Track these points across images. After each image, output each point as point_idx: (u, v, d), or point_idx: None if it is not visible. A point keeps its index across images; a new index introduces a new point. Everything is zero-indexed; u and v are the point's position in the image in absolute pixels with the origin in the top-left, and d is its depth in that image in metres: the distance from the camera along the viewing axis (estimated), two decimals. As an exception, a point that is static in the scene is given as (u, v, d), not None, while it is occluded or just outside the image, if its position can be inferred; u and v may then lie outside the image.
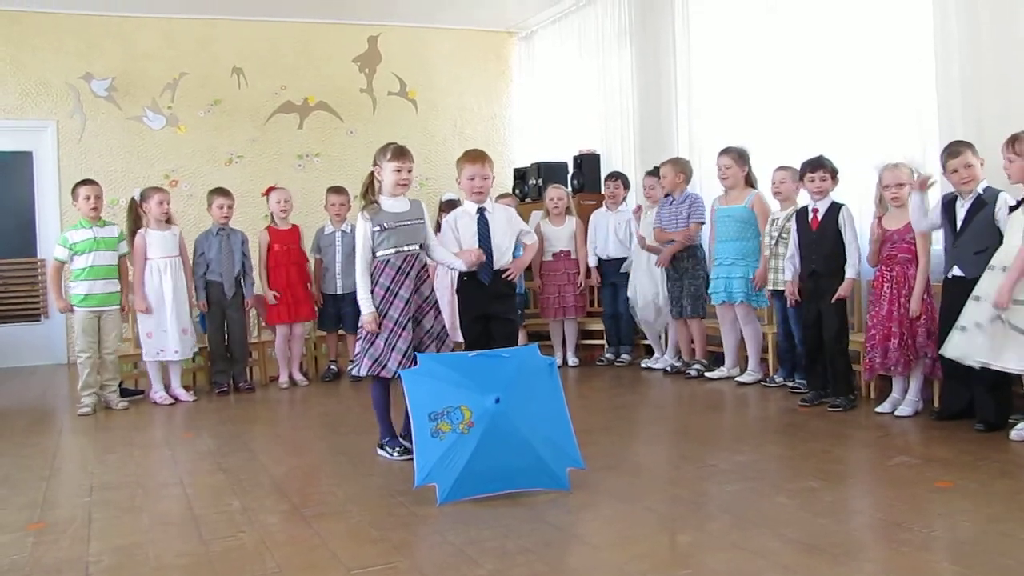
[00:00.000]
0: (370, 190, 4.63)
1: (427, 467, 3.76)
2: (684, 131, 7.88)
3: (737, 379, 6.46)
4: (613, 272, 7.55)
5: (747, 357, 6.50)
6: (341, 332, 7.48)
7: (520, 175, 9.35)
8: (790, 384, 6.06)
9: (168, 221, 6.70)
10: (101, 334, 6.34)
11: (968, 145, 4.85)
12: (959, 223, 4.86)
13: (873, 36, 6.05)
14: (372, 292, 4.53)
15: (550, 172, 8.82)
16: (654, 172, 7.24)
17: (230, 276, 6.97)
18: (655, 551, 3.24)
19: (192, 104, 9.33)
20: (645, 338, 7.69)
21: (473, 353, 4.17)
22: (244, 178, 9.10)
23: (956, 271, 4.87)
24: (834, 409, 5.39)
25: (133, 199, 6.67)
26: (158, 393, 6.63)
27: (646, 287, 7.20)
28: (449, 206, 7.31)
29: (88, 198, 6.35)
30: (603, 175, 8.11)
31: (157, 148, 9.18)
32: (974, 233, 4.80)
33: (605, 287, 7.66)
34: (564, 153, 9.08)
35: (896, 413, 5.15)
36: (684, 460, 4.56)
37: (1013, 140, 4.58)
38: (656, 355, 7.36)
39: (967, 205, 4.84)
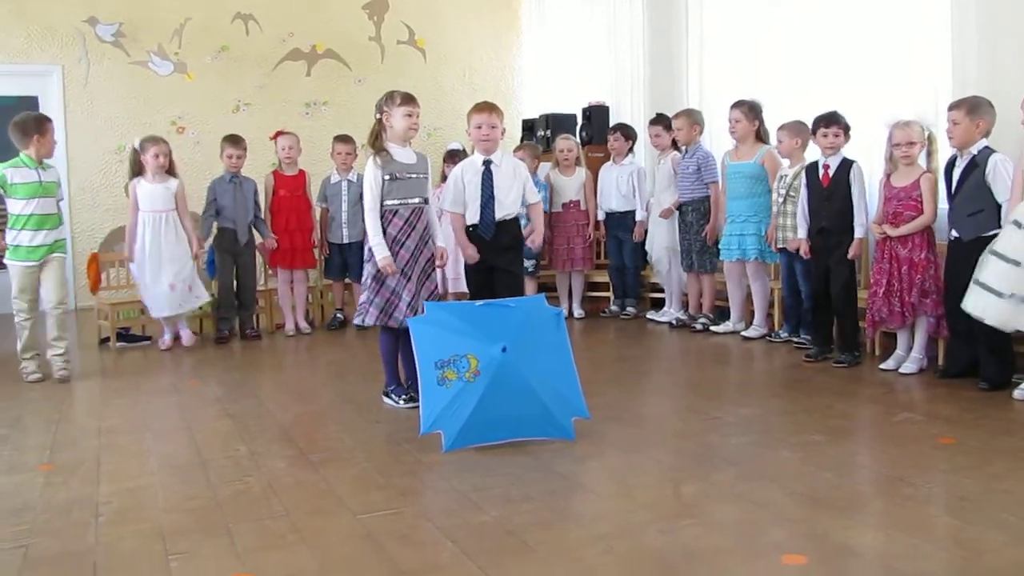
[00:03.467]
0: (379, 138, 4.59)
1: (433, 415, 3.78)
2: (695, 83, 7.81)
3: (742, 333, 6.47)
4: (616, 225, 7.53)
5: (753, 312, 6.50)
6: (347, 281, 7.49)
7: (528, 126, 9.29)
8: (795, 340, 6.07)
9: (170, 172, 6.54)
10: (41, 286, 5.58)
11: (963, 103, 4.80)
12: (955, 184, 4.87)
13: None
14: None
15: (558, 124, 8.75)
16: (658, 120, 7.21)
17: (244, 224, 6.96)
18: (659, 501, 3.27)
19: (199, 50, 9.25)
20: (652, 291, 7.69)
21: (480, 302, 4.17)
22: (251, 126, 9.04)
23: (954, 233, 4.87)
24: (839, 365, 5.41)
25: (134, 148, 6.53)
26: (164, 337, 6.67)
27: (661, 239, 7.18)
28: (452, 156, 7.28)
29: (55, 137, 5.71)
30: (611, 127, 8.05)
31: (164, 94, 9.12)
32: (967, 195, 4.79)
33: (610, 239, 7.64)
34: (573, 105, 9.01)
35: (900, 370, 5.16)
36: (689, 412, 4.58)
37: None
38: (665, 308, 7.37)
39: (962, 166, 4.83)
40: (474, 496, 3.28)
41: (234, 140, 7.04)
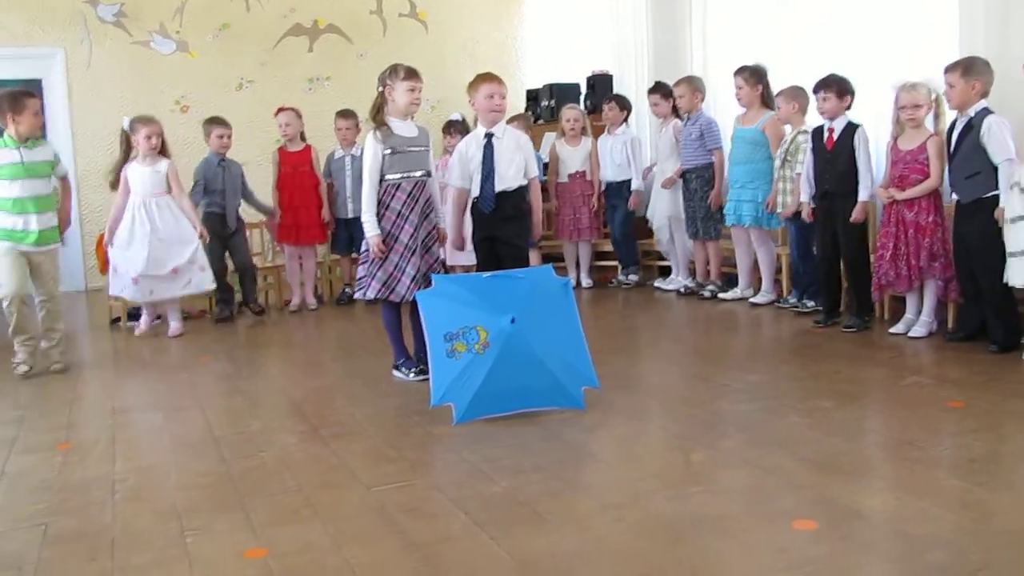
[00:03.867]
0: (381, 112, 4.58)
1: (443, 387, 3.80)
2: (699, 51, 7.76)
3: (750, 300, 6.47)
4: (613, 194, 7.55)
5: (761, 279, 6.50)
6: (354, 256, 7.49)
7: (532, 96, 9.27)
8: (802, 305, 6.07)
9: (162, 152, 6.25)
10: (36, 278, 5.25)
11: (958, 65, 4.78)
12: (952, 147, 4.86)
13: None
14: (382, 215, 4.52)
15: (563, 94, 8.73)
16: (656, 88, 7.20)
17: (233, 208, 6.91)
18: (668, 469, 3.29)
19: (201, 28, 9.22)
20: (658, 259, 7.70)
21: (488, 274, 4.19)
22: (254, 102, 9.04)
23: (953, 196, 4.86)
24: (848, 330, 5.41)
25: (124, 130, 6.26)
26: (141, 320, 6.47)
27: (662, 208, 7.18)
28: (450, 126, 7.25)
29: (37, 114, 5.20)
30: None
31: (167, 73, 9.10)
32: (963, 157, 4.78)
33: (608, 209, 7.66)
34: (577, 74, 8.97)
35: (909, 334, 5.16)
36: (698, 380, 4.60)
37: None
38: (672, 275, 7.37)
39: (959, 128, 4.81)
40: (484, 467, 3.31)
41: (221, 121, 6.96)
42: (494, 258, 4.81)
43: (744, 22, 7.29)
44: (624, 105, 7.59)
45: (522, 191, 4.86)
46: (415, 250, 4.51)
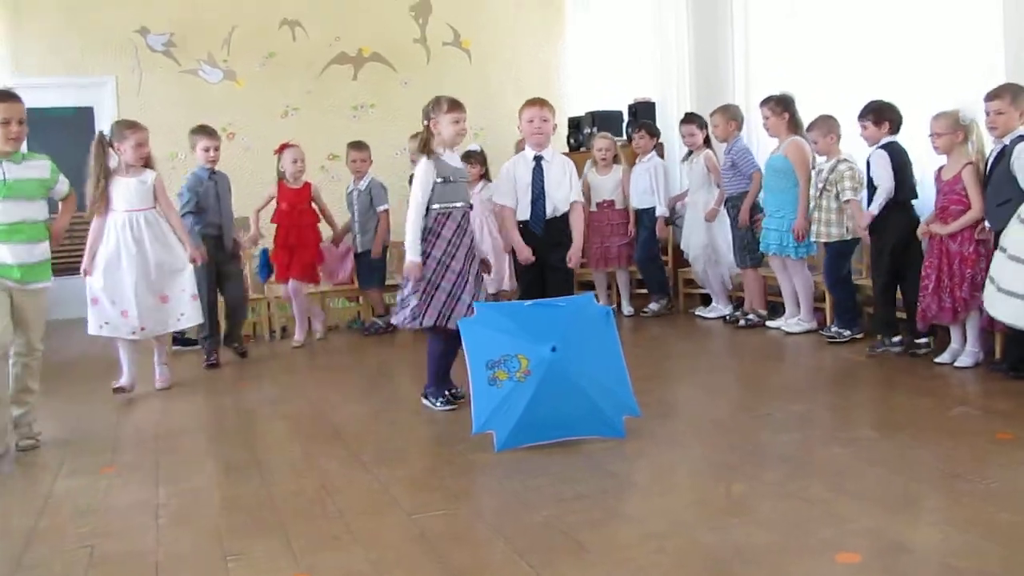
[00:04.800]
0: (427, 145, 4.58)
1: (484, 415, 3.81)
2: (741, 78, 7.75)
3: (784, 329, 6.41)
4: (636, 220, 7.54)
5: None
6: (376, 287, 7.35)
7: (574, 124, 9.30)
8: (839, 335, 5.98)
9: (147, 165, 5.39)
10: (16, 323, 4.19)
11: (1008, 90, 4.69)
12: (987, 174, 4.82)
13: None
14: (433, 244, 4.48)
15: (604, 121, 8.73)
16: (689, 119, 7.22)
17: (229, 227, 6.27)
18: (710, 499, 3.27)
19: (248, 57, 9.37)
20: (695, 287, 7.66)
21: (529, 302, 4.20)
22: (300, 130, 9.13)
23: (987, 223, 4.81)
24: (893, 350, 5.40)
25: (101, 135, 5.37)
26: (121, 379, 5.38)
27: (697, 238, 7.16)
28: (468, 157, 7.15)
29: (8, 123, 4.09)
30: (658, 124, 8.03)
31: (214, 101, 9.25)
32: (996, 184, 4.71)
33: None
34: (619, 102, 8.99)
35: (955, 364, 5.08)
36: (739, 409, 4.56)
37: None
38: (713, 303, 7.33)
39: (995, 155, 4.76)
40: (526, 496, 3.30)
41: (208, 131, 6.34)
42: (539, 284, 4.82)
43: (786, 50, 7.26)
44: (653, 133, 7.61)
45: (566, 217, 4.90)
46: (468, 278, 4.50)
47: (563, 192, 4.87)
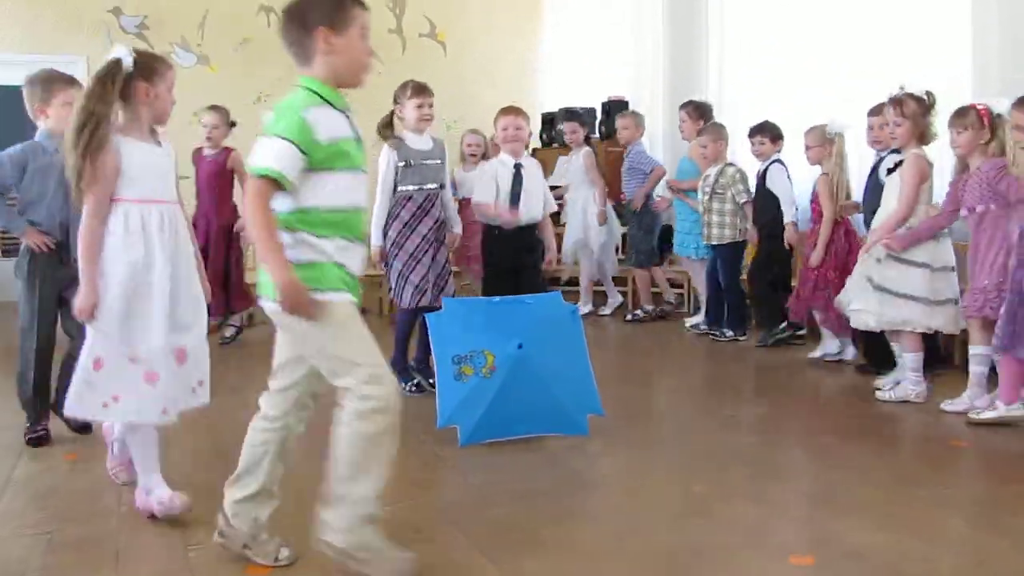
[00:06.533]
0: (389, 128, 4.75)
1: (449, 409, 3.83)
2: (715, 78, 7.82)
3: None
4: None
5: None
6: None
7: (548, 120, 9.32)
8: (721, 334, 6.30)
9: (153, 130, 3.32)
10: None
11: (895, 102, 4.57)
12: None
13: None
14: (390, 225, 4.69)
15: (577, 118, 8.75)
16: (569, 116, 7.48)
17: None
18: (670, 499, 3.31)
19: (222, 42, 9.31)
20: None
21: (497, 298, 4.22)
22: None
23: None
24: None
25: (115, 61, 3.35)
26: (139, 498, 3.14)
27: (572, 232, 7.28)
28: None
29: None
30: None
31: (187, 86, 9.09)
32: (870, 195, 5.03)
33: None
34: (593, 99, 9.02)
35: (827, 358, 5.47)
36: (701, 412, 4.61)
37: (898, 102, 4.51)
38: (610, 300, 7.51)
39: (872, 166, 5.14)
40: (487, 490, 3.33)
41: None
42: (514, 287, 4.83)
43: (760, 51, 7.31)
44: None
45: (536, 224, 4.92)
46: (420, 259, 4.66)
47: (537, 198, 4.89)
